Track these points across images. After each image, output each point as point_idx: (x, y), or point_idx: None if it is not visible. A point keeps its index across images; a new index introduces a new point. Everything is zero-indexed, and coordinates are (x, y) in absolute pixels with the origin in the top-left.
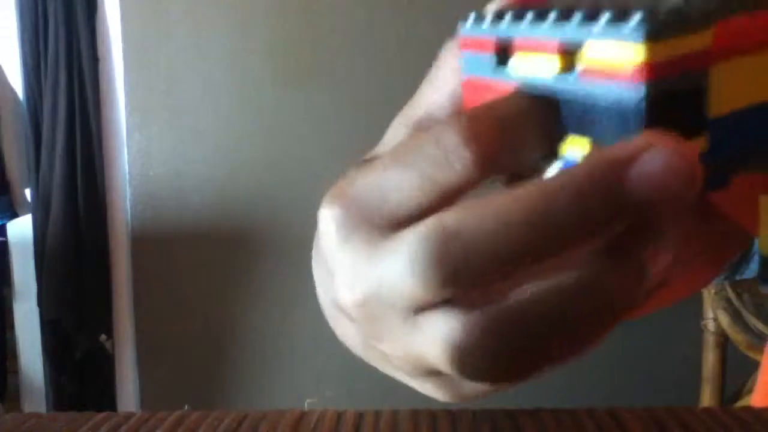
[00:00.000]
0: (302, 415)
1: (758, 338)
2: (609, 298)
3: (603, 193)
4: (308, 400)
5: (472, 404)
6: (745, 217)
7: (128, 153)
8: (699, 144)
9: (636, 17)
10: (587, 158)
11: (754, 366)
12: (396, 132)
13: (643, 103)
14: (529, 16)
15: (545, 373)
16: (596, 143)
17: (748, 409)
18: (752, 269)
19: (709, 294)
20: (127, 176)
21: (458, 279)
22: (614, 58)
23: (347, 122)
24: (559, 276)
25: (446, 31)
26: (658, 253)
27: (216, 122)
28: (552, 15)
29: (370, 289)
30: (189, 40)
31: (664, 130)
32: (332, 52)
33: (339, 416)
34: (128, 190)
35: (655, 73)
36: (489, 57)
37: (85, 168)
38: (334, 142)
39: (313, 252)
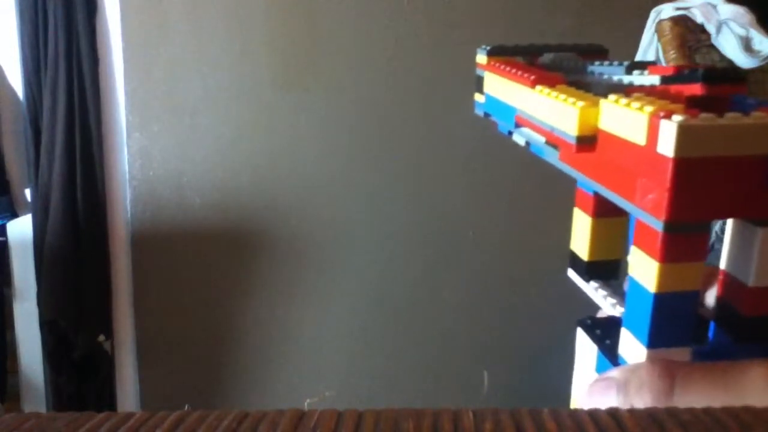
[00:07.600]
0: (302, 415)
1: None
2: None
3: None
4: (308, 400)
5: (472, 404)
6: None
7: (128, 153)
8: None
9: None
10: None
11: None
12: None
13: None
14: None
15: None
16: None
17: (748, 409)
18: None
19: None
20: (127, 176)
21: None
22: None
23: (346, 122)
24: None
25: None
26: None
27: (216, 122)
28: None
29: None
30: (189, 40)
31: None
32: (332, 52)
33: (339, 416)
34: (128, 190)
35: None
36: None
37: (84, 168)
38: (334, 142)
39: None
